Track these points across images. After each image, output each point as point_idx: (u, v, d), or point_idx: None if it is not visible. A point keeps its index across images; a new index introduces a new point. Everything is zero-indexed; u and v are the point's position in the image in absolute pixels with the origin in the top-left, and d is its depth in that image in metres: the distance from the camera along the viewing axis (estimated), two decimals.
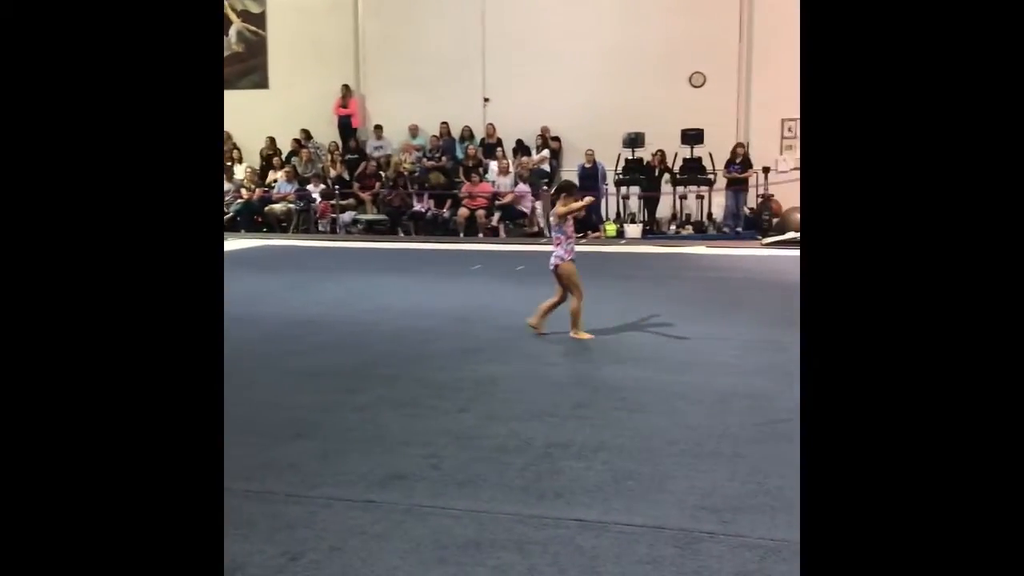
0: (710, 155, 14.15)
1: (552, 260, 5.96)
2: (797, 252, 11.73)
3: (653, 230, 14.34)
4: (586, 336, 5.88)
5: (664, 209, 14.69)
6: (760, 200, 14.21)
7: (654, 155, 14.34)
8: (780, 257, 11.12)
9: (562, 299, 5.99)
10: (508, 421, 4.00)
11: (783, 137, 14.78)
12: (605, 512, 2.93)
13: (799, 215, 13.81)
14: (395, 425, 3.99)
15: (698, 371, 4.95)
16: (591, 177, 14.57)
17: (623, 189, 14.48)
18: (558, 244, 5.94)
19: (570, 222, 6.00)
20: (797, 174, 14.28)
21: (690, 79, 14.89)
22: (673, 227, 14.43)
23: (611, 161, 14.46)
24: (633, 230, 14.07)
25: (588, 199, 6.35)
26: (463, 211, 14.29)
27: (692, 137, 14.14)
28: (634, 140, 14.26)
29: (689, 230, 14.23)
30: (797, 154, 14.67)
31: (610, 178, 14.57)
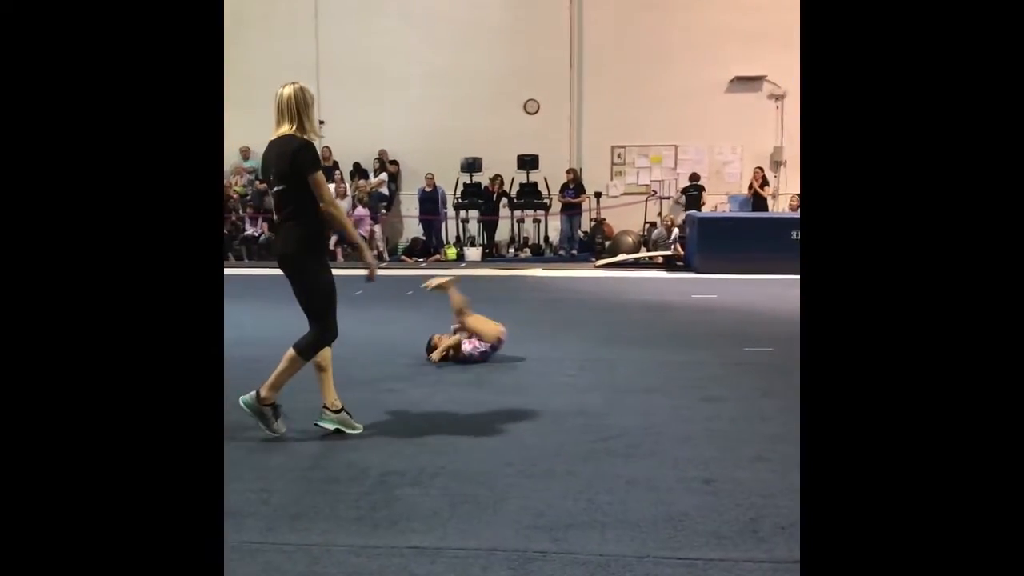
0: (545, 180, 14.57)
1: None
2: (627, 273, 12.16)
3: (492, 253, 14.57)
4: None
5: (503, 232, 14.98)
6: (593, 223, 14.75)
7: (492, 180, 14.60)
8: (612, 278, 11.55)
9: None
10: (343, 450, 3.92)
11: (613, 163, 15.43)
12: (441, 537, 2.91)
13: (630, 238, 14.41)
14: (223, 458, 3.81)
15: (534, 391, 5.04)
16: (431, 201, 14.66)
17: (462, 213, 14.64)
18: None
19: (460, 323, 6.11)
20: (626, 199, 14.94)
21: (524, 106, 15.30)
22: (511, 250, 14.72)
23: (450, 185, 14.60)
24: (473, 253, 14.25)
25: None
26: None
27: (527, 162, 14.52)
28: (472, 165, 14.48)
29: (527, 253, 14.56)
30: (626, 179, 15.37)
31: (449, 202, 14.70)
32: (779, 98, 14.35)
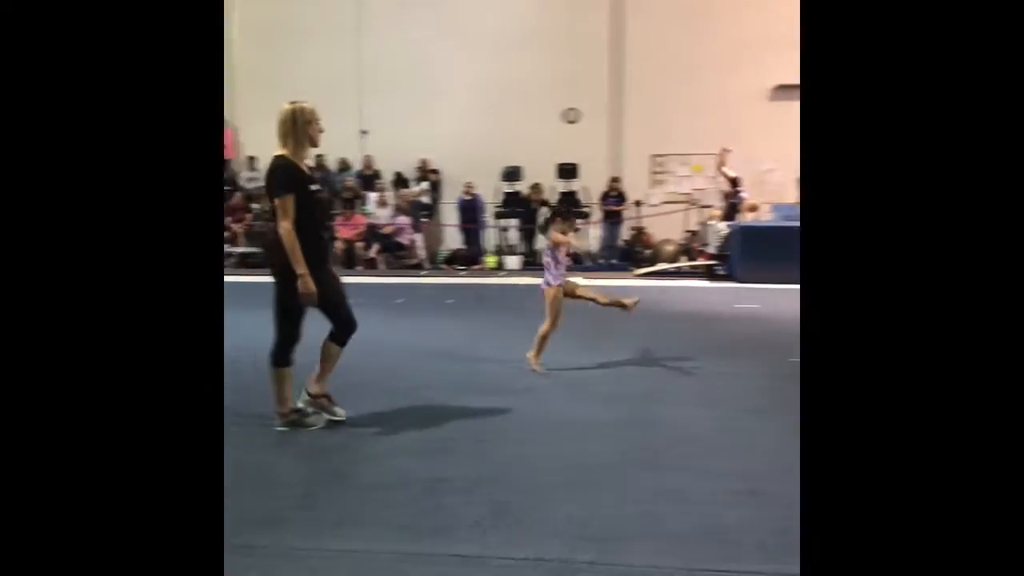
0: (585, 189, 14.55)
1: (541, 284, 6.02)
2: (668, 283, 12.04)
3: (533, 261, 14.56)
4: (538, 368, 5.80)
5: (542, 241, 14.97)
6: (633, 232, 14.68)
7: (532, 188, 14.62)
8: (653, 287, 11.47)
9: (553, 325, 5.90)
10: (387, 457, 3.94)
11: (652, 172, 15.36)
12: (485, 547, 2.91)
13: (671, 247, 14.25)
14: (268, 465, 3.86)
15: (576, 400, 5.02)
16: (470, 210, 14.72)
17: (502, 221, 14.68)
18: (547, 268, 5.99)
19: (562, 248, 5.99)
20: (666, 207, 14.86)
21: (564, 115, 15.30)
22: None
23: (490, 194, 14.66)
24: (513, 262, 14.25)
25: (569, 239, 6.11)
26: (339, 243, 14.10)
27: (567, 171, 14.53)
28: (512, 174, 14.52)
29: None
30: (666, 188, 15.28)
31: (489, 211, 14.75)
32: None
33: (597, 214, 14.64)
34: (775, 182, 14.76)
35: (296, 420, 4.40)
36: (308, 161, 4.44)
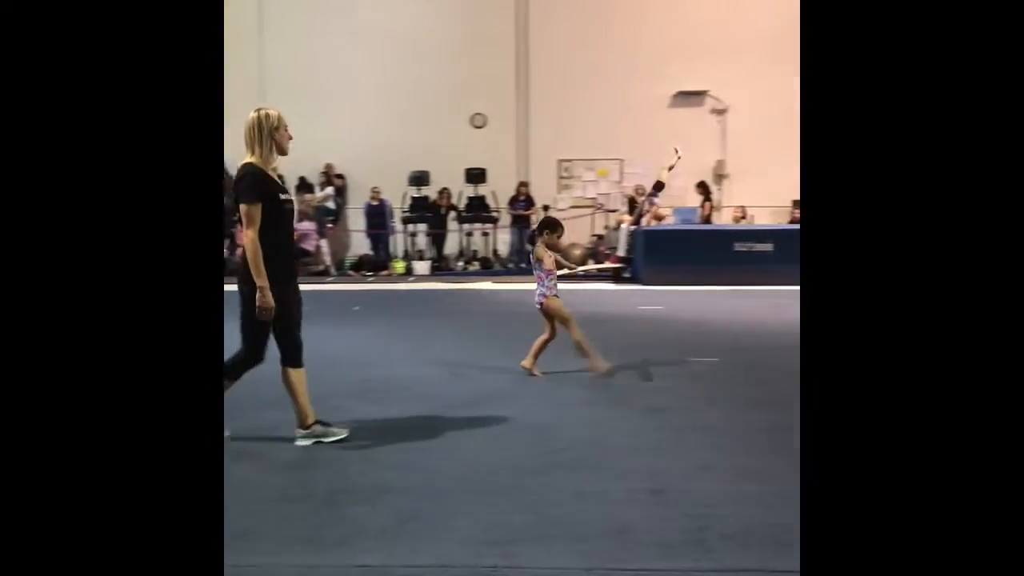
0: (493, 193, 14.61)
1: (536, 298, 5.88)
2: (575, 286, 12.18)
3: (441, 267, 14.55)
4: (604, 367, 5.73)
5: (451, 246, 14.98)
6: None
7: (440, 193, 14.60)
8: (560, 291, 11.59)
9: (552, 336, 5.85)
10: (292, 470, 3.86)
11: (560, 177, 15.55)
12: (389, 556, 2.89)
13: (578, 251, 14.45)
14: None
15: (483, 405, 5.03)
16: (378, 215, 14.59)
17: (410, 226, 14.60)
18: (539, 282, 5.85)
19: (549, 261, 5.89)
20: (573, 211, 15.06)
21: (471, 119, 15.34)
22: (461, 263, 14.72)
23: (397, 199, 14.55)
24: (422, 267, 14.21)
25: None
26: (240, 251, 13.77)
27: (475, 176, 14.57)
28: (419, 179, 14.47)
29: (476, 266, 14.57)
30: (573, 192, 15.49)
31: (397, 215, 14.65)
32: (721, 112, 14.64)
33: (505, 218, 14.71)
34: (677, 186, 15.12)
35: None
36: (277, 169, 4.28)
